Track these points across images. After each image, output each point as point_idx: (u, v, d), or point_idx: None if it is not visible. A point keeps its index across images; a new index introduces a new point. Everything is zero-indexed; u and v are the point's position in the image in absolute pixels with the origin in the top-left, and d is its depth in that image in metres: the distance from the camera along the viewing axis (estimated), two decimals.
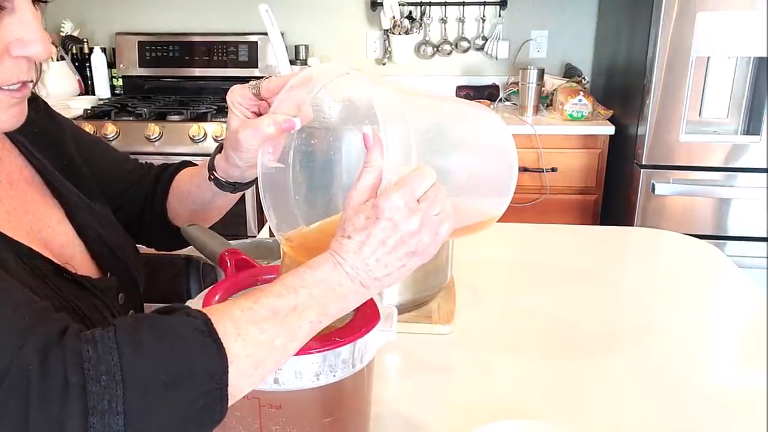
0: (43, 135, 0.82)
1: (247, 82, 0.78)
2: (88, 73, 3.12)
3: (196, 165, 0.98)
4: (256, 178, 0.76)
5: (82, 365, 0.50)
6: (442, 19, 3.07)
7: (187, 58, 3.08)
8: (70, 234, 0.78)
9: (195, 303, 0.72)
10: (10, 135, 0.77)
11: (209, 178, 0.85)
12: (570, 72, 2.99)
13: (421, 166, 0.61)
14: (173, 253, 1.05)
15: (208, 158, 0.87)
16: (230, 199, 0.91)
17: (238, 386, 0.55)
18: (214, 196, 0.89)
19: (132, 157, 1.00)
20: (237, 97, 0.77)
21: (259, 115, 0.77)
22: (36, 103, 0.82)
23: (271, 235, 1.23)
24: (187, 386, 0.52)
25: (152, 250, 1.02)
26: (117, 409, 0.49)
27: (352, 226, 0.60)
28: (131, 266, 0.85)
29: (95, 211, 0.83)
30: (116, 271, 0.81)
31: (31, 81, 0.68)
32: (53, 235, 0.76)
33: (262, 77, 0.77)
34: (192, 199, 0.92)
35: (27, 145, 0.79)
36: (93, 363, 0.50)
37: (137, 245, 0.92)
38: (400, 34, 3.00)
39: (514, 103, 2.95)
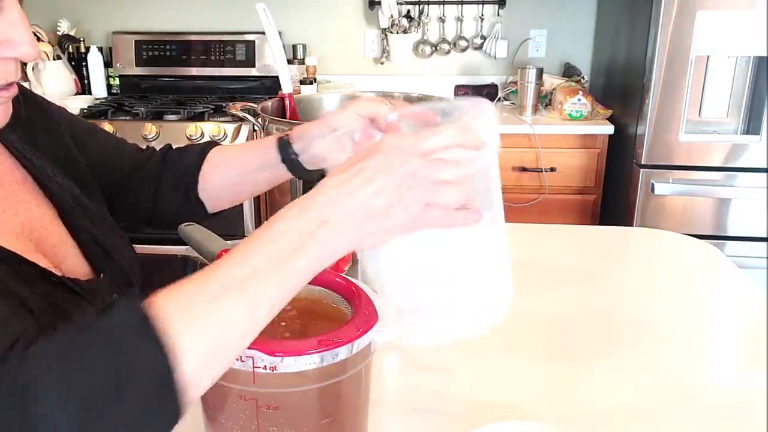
0: (37, 131, 0.82)
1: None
2: (84, 72, 3.10)
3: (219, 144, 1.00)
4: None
5: (21, 384, 0.47)
6: (440, 18, 3.07)
7: (185, 57, 3.07)
8: (63, 234, 0.77)
9: None
10: (0, 136, 0.76)
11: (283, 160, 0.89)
12: (569, 71, 2.99)
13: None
14: (170, 253, 1.04)
15: (272, 151, 0.90)
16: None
17: (195, 375, 0.51)
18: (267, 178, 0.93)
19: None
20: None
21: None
22: (27, 99, 0.82)
23: None
24: (132, 390, 0.48)
25: (150, 250, 1.02)
26: (62, 428, 0.46)
27: (345, 164, 0.58)
28: (126, 266, 0.83)
29: (89, 209, 0.83)
30: (110, 271, 0.80)
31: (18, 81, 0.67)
32: (46, 235, 0.75)
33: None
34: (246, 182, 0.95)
35: (18, 145, 0.78)
36: (32, 382, 0.47)
37: (137, 244, 0.91)
38: (398, 33, 2.99)
39: (512, 103, 2.95)
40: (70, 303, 0.70)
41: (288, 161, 0.90)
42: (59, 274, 0.71)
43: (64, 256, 0.76)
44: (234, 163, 0.95)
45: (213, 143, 1.00)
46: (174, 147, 1.01)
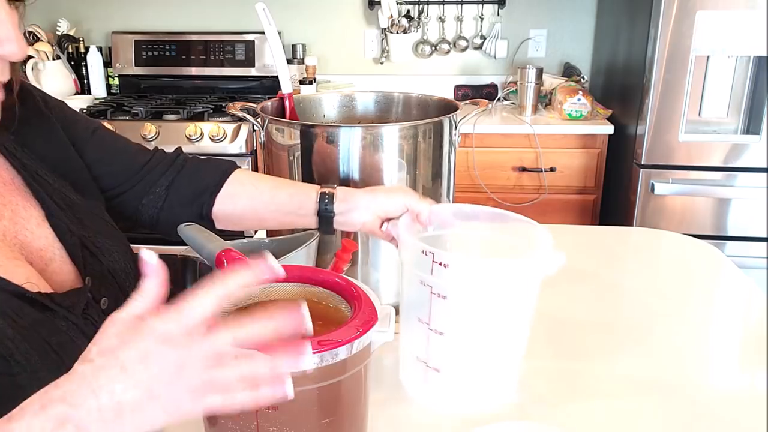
0: (31, 129, 0.80)
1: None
2: (84, 72, 3.10)
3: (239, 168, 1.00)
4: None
5: None
6: (440, 17, 3.07)
7: (184, 57, 3.07)
8: (50, 237, 0.76)
9: None
10: None
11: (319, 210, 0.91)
12: (569, 71, 2.99)
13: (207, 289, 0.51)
14: (170, 253, 1.03)
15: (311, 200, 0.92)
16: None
17: None
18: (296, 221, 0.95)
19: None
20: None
21: None
22: (26, 95, 0.81)
23: (268, 235, 1.22)
24: None
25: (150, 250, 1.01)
26: None
27: (98, 347, 0.50)
28: (117, 268, 0.82)
29: (81, 209, 0.81)
30: (97, 274, 0.78)
31: (7, 83, 0.66)
32: (32, 238, 0.74)
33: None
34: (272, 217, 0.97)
35: (8, 145, 0.77)
36: None
37: (137, 244, 0.90)
38: (397, 32, 2.99)
39: (512, 103, 2.95)
40: (43, 324, 0.67)
41: (322, 216, 0.92)
42: (35, 289, 0.68)
43: (50, 260, 0.74)
44: (266, 199, 0.96)
45: (235, 165, 1.00)
46: (188, 154, 1.00)
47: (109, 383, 0.48)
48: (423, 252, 0.79)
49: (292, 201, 0.94)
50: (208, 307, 0.51)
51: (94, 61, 3.05)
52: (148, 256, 0.53)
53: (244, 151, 2.55)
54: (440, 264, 0.78)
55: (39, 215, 0.76)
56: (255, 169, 2.59)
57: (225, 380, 0.50)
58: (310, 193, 0.92)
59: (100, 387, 0.48)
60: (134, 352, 0.49)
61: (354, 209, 0.90)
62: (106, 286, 0.79)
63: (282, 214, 0.95)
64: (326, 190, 0.92)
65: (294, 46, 3.06)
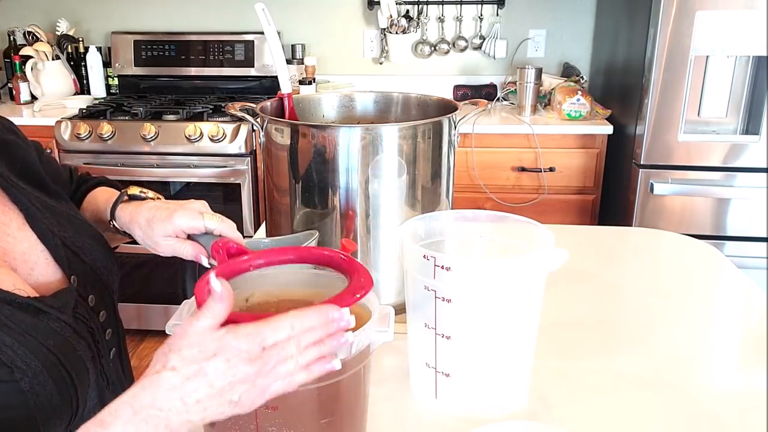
0: (1, 146, 0.81)
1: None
2: (83, 72, 3.10)
3: (110, 184, 0.99)
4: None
5: None
6: (439, 18, 3.07)
7: (183, 57, 3.07)
8: (32, 239, 0.77)
9: (190, 303, 0.71)
10: None
11: (109, 222, 0.88)
12: (568, 71, 2.99)
13: (282, 316, 0.59)
14: None
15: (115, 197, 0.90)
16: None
17: None
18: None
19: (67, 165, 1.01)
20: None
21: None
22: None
23: (268, 235, 1.22)
24: None
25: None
26: None
27: (179, 356, 0.57)
28: (99, 266, 0.83)
29: (57, 211, 0.82)
30: (82, 273, 0.79)
31: None
32: (14, 242, 0.74)
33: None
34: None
35: None
36: None
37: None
38: (397, 33, 2.99)
39: (511, 103, 2.95)
40: (37, 328, 0.68)
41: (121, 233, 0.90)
42: (24, 294, 0.69)
43: (35, 263, 0.75)
44: (95, 200, 0.96)
45: (99, 183, 1.00)
46: (87, 180, 1.01)
47: (194, 392, 0.56)
48: (424, 257, 0.79)
49: (104, 199, 0.93)
50: (283, 335, 0.58)
51: (94, 61, 3.05)
52: (215, 285, 0.58)
53: (243, 151, 2.55)
54: (442, 267, 0.78)
55: (19, 218, 0.77)
56: (255, 169, 2.59)
57: (288, 371, 0.58)
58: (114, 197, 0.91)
59: (188, 395, 0.56)
60: (218, 364, 0.56)
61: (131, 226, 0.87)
62: (91, 284, 0.80)
63: (99, 213, 0.93)
64: (131, 194, 0.90)
65: (293, 46, 3.07)
